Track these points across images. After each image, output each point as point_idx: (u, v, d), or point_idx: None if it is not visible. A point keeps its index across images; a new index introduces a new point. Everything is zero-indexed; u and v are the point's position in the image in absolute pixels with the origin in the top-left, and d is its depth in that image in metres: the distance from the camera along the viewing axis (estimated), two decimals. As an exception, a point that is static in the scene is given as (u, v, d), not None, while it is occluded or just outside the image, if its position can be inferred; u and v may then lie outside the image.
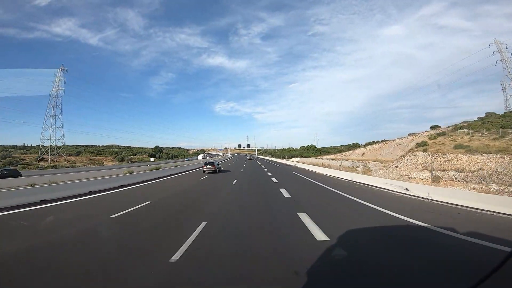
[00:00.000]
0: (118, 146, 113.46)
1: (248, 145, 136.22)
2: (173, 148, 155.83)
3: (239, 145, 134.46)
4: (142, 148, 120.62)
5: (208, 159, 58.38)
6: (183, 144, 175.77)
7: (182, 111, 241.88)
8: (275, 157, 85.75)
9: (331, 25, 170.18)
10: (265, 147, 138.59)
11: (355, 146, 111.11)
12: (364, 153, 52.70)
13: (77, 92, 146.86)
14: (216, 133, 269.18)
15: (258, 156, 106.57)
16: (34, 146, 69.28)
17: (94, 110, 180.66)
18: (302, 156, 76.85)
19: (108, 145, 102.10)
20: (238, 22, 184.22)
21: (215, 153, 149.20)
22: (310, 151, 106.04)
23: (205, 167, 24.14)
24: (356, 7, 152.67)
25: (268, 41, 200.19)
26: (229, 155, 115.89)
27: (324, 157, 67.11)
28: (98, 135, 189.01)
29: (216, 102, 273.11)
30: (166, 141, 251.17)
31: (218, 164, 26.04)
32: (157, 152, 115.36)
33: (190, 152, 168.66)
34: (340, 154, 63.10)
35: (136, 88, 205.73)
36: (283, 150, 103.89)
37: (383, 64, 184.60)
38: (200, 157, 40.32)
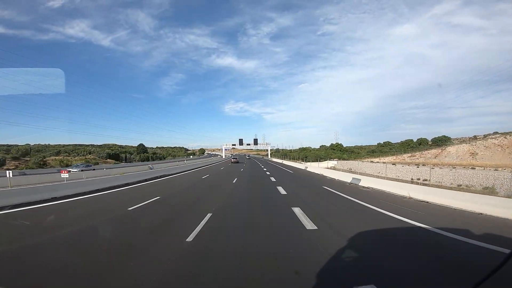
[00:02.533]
0: (111, 144, 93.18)
1: (256, 141, 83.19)
2: (175, 147, 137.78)
3: (240, 140, 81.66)
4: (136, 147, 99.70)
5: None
6: (193, 145, 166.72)
7: (191, 112, 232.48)
8: (288, 159, 61.09)
9: (340, 25, 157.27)
10: (275, 147, 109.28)
11: (387, 145, 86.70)
12: (474, 154, 27.58)
13: (82, 92, 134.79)
14: (224, 133, 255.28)
15: (273, 159, 72.47)
16: None
17: (96, 110, 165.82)
18: (332, 158, 52.09)
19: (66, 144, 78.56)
20: (247, 22, 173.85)
21: (217, 153, 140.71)
22: (336, 151, 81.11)
23: (232, 160, 47.36)
24: (367, 6, 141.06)
25: (277, 41, 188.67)
26: (223, 156, 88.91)
27: (375, 159, 42.30)
28: (97, 134, 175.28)
29: (226, 102, 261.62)
30: (174, 140, 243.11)
31: (237, 158, 51.91)
32: (141, 152, 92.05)
33: (189, 152, 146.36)
34: (408, 156, 37.93)
35: (145, 88, 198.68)
36: (302, 149, 78.76)
37: (394, 64, 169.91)
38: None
